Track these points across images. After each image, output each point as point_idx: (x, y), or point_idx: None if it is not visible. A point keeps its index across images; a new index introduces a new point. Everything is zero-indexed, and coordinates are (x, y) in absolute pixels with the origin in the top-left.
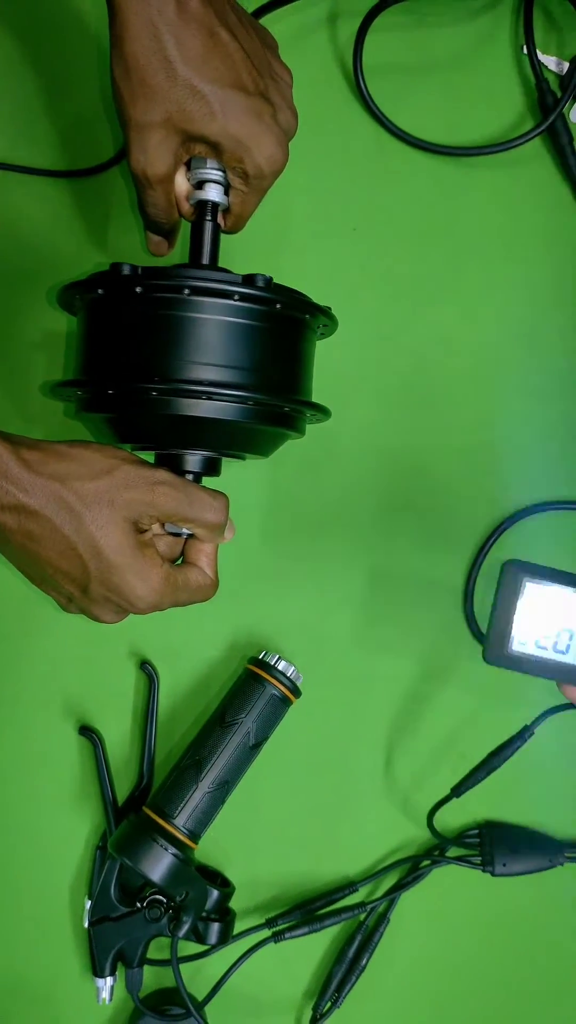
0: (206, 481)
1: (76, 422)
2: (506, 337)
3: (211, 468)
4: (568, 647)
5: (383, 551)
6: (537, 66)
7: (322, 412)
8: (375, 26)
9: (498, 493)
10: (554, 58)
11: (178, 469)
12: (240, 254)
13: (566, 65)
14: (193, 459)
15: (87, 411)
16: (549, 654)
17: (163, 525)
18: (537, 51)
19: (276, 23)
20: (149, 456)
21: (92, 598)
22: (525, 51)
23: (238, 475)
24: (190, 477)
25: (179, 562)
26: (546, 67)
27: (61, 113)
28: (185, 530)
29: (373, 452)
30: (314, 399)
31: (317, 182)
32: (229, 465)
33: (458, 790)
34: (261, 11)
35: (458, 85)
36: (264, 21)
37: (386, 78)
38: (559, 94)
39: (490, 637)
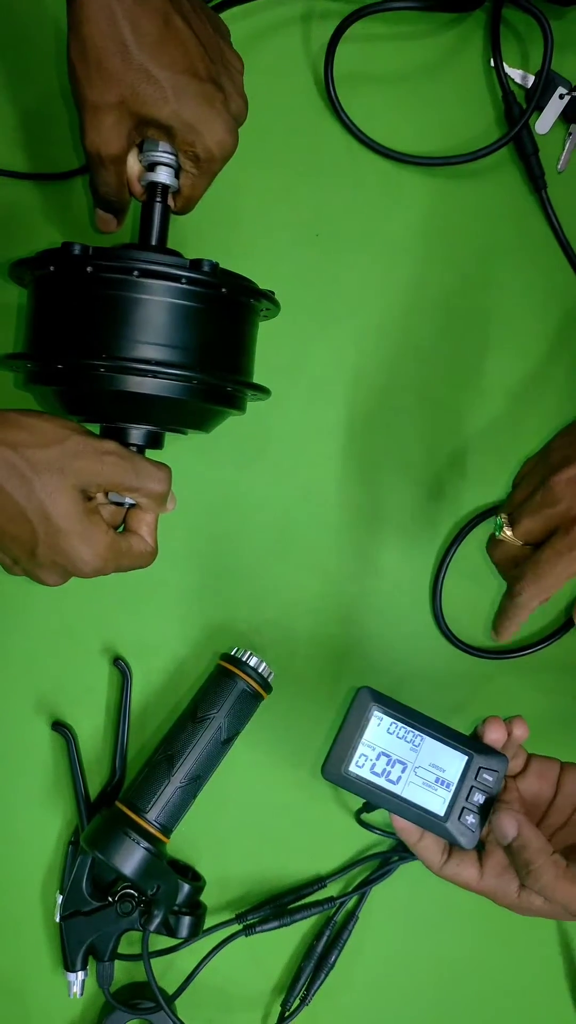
0: (149, 454)
1: (26, 392)
2: (467, 342)
3: (154, 442)
4: (399, 779)
5: (351, 549)
6: (504, 79)
7: (262, 392)
8: (347, 36)
9: (462, 493)
10: (520, 71)
11: (123, 442)
12: (208, 254)
13: (531, 78)
14: (137, 432)
15: (36, 383)
16: (381, 782)
17: (107, 494)
18: (504, 64)
19: (249, 30)
20: (95, 428)
21: (39, 562)
22: (492, 64)
23: (208, 471)
24: (134, 449)
25: (120, 530)
26: (512, 80)
27: (20, 106)
28: (128, 500)
29: (337, 450)
30: (256, 380)
31: (285, 187)
32: (204, 451)
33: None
34: (225, 5)
35: (427, 96)
36: (236, 25)
37: (357, 87)
38: (525, 106)
39: (331, 754)
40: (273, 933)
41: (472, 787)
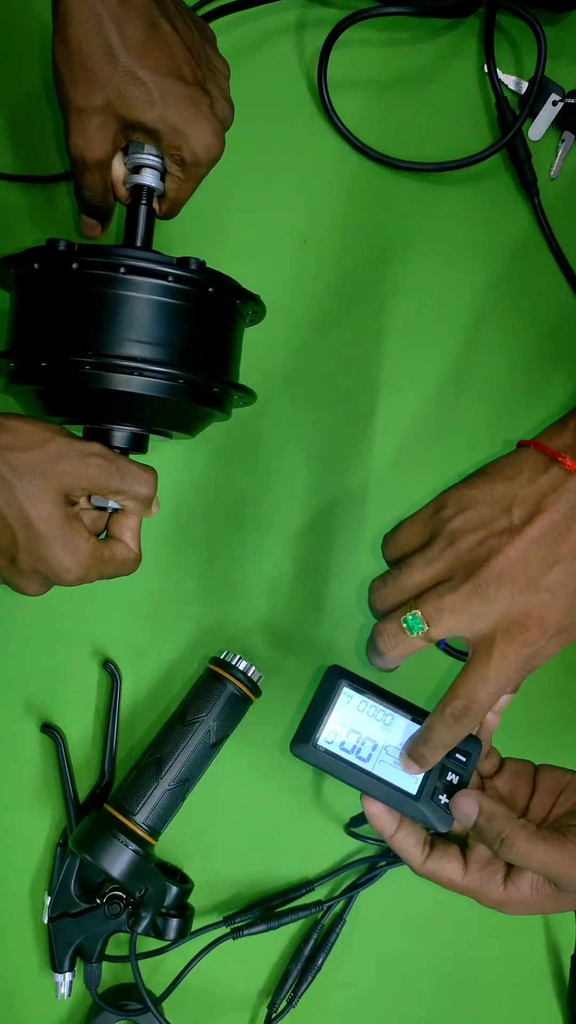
0: (133, 457)
1: (6, 396)
2: (460, 348)
3: (138, 444)
4: (370, 756)
5: (342, 552)
6: (497, 85)
7: (248, 395)
8: (340, 41)
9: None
10: (513, 77)
11: (107, 444)
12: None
13: (525, 85)
14: (121, 434)
15: (19, 382)
16: (352, 758)
17: (89, 499)
18: (497, 71)
19: (243, 36)
20: (77, 430)
21: (20, 569)
22: (486, 70)
23: (194, 475)
24: (117, 452)
25: (102, 537)
26: (506, 86)
27: (4, 106)
28: (111, 504)
29: (325, 452)
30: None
31: (277, 192)
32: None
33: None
34: (219, 12)
35: (421, 102)
36: (230, 30)
37: (350, 93)
38: (518, 112)
39: (299, 730)
40: (260, 936)
41: (445, 766)
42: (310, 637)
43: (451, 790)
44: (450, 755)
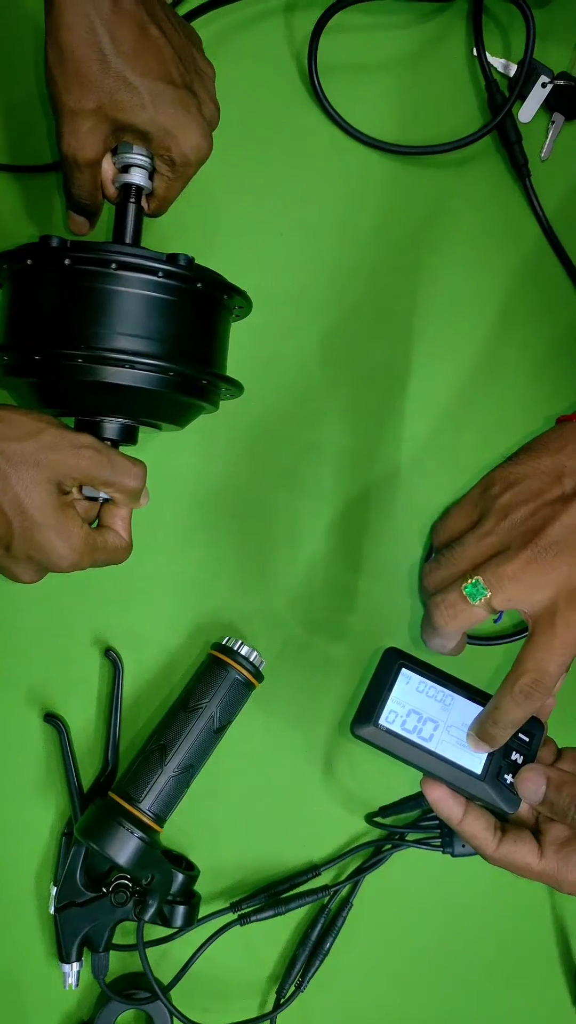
0: (124, 449)
1: (2, 390)
2: (453, 328)
3: (129, 436)
4: (432, 736)
5: (341, 535)
6: (486, 67)
7: (236, 387)
8: (330, 26)
9: (452, 475)
10: (502, 60)
11: (98, 435)
12: (191, 246)
13: (514, 67)
14: (112, 426)
15: (12, 375)
16: (413, 738)
17: (81, 489)
18: (486, 53)
19: (232, 22)
20: (69, 422)
21: (14, 556)
22: (475, 53)
23: (194, 464)
24: (108, 444)
25: (94, 526)
26: (495, 69)
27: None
28: (102, 495)
29: (320, 439)
30: (235, 375)
31: (268, 178)
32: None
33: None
34: (210, 6)
35: (411, 85)
36: (219, 17)
37: (340, 77)
38: (507, 95)
39: (359, 711)
40: (267, 921)
41: (509, 746)
42: (313, 621)
43: (516, 770)
44: (513, 736)
